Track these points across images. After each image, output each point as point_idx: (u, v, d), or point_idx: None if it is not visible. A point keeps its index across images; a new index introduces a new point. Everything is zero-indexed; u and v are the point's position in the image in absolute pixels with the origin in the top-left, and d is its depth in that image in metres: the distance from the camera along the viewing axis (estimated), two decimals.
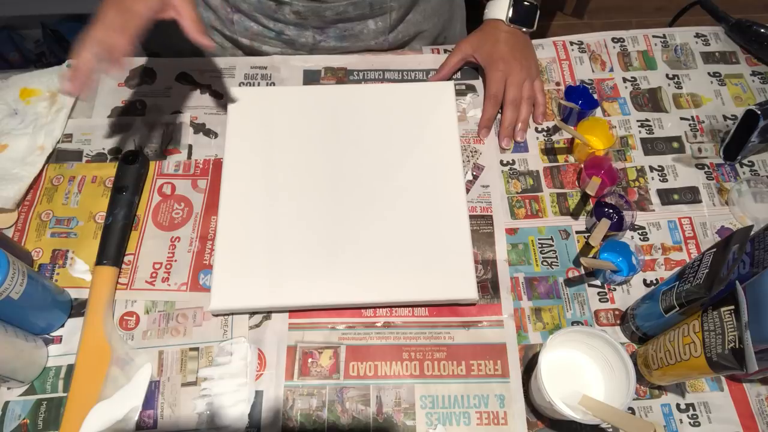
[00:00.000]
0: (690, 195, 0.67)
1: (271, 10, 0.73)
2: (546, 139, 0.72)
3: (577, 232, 0.65)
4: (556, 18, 1.95)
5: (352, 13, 0.73)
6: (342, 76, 0.76)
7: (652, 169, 0.69)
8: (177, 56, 0.75)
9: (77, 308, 0.59)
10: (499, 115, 0.72)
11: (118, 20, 0.52)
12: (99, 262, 0.60)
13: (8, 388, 0.55)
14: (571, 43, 0.79)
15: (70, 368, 0.56)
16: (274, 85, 0.75)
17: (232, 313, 0.60)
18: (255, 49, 0.78)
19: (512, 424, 0.55)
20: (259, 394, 0.56)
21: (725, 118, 0.73)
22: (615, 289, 0.62)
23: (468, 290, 0.59)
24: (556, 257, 0.63)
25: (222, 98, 0.73)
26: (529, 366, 0.58)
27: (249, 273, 0.59)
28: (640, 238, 0.65)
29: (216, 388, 0.56)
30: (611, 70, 0.77)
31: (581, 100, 0.71)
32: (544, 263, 0.63)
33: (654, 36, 0.80)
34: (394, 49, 0.81)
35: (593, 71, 0.77)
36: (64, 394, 0.55)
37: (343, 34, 0.76)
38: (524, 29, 0.73)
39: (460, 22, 0.90)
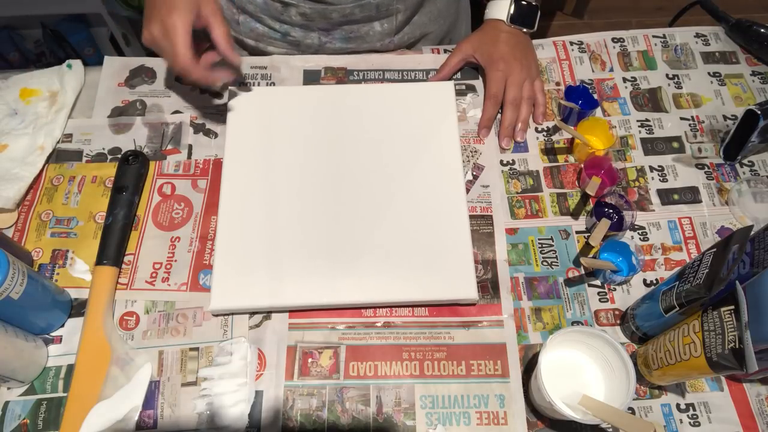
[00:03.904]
0: (690, 195, 0.67)
1: (277, 11, 0.73)
2: (546, 139, 0.72)
3: (577, 232, 0.65)
4: (556, 18, 1.95)
5: (359, 15, 0.73)
6: (342, 76, 0.76)
7: (652, 169, 0.69)
8: None
9: (77, 308, 0.60)
10: (499, 115, 0.72)
11: (161, 40, 0.57)
12: (99, 262, 0.60)
13: (8, 388, 0.55)
14: (571, 43, 0.79)
15: (70, 368, 0.56)
16: (274, 85, 0.75)
17: (232, 313, 0.60)
18: (260, 50, 0.78)
19: (512, 424, 0.55)
20: (259, 394, 0.56)
21: (725, 118, 0.73)
22: (615, 289, 0.62)
23: (468, 290, 0.59)
24: (556, 257, 0.63)
25: (222, 98, 0.73)
26: (529, 366, 0.58)
27: (249, 273, 0.59)
28: (640, 238, 0.65)
29: (216, 388, 0.56)
30: (611, 70, 0.77)
31: (581, 100, 0.71)
32: (544, 263, 0.63)
33: (654, 36, 0.80)
34: (403, 49, 0.80)
35: (593, 71, 0.77)
36: (64, 394, 0.55)
37: (348, 35, 0.76)
38: (525, 29, 0.73)
39: (465, 24, 0.90)
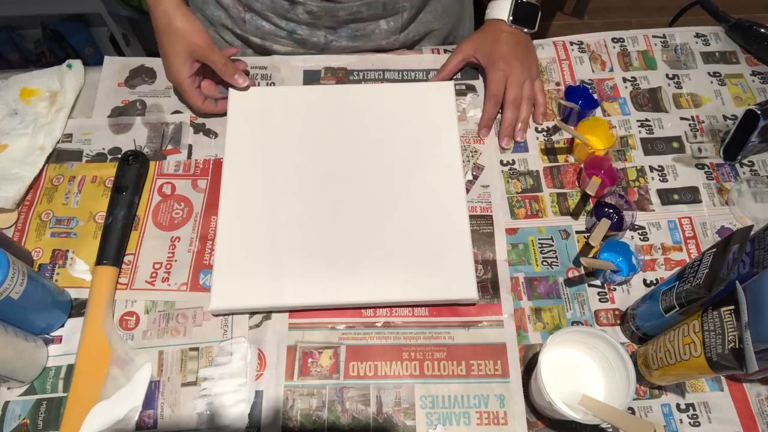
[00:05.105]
0: (690, 195, 0.67)
1: (284, 9, 0.73)
2: (546, 139, 0.72)
3: (577, 232, 0.65)
4: (556, 18, 1.95)
5: (365, 14, 0.73)
6: (342, 76, 0.76)
7: (652, 169, 0.69)
8: None
9: (77, 308, 0.59)
10: (499, 115, 0.72)
11: (178, 89, 0.69)
12: (99, 262, 0.60)
13: (8, 388, 0.55)
14: (571, 43, 0.79)
15: (70, 368, 0.56)
16: (274, 85, 0.75)
17: (232, 313, 0.60)
18: (266, 48, 0.78)
19: (512, 424, 0.55)
20: (259, 394, 0.56)
21: (725, 118, 0.73)
22: (615, 289, 0.62)
23: (468, 290, 0.59)
24: (556, 257, 0.63)
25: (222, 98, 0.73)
26: (529, 366, 0.58)
27: (249, 273, 0.59)
28: (640, 238, 0.65)
29: (216, 388, 0.56)
30: (611, 70, 0.77)
31: (581, 100, 0.71)
32: (544, 263, 0.63)
33: (654, 36, 0.80)
34: (403, 49, 0.81)
35: (593, 71, 0.77)
36: (64, 394, 0.55)
37: (354, 34, 0.76)
38: (525, 30, 0.73)
39: (469, 21, 0.90)
